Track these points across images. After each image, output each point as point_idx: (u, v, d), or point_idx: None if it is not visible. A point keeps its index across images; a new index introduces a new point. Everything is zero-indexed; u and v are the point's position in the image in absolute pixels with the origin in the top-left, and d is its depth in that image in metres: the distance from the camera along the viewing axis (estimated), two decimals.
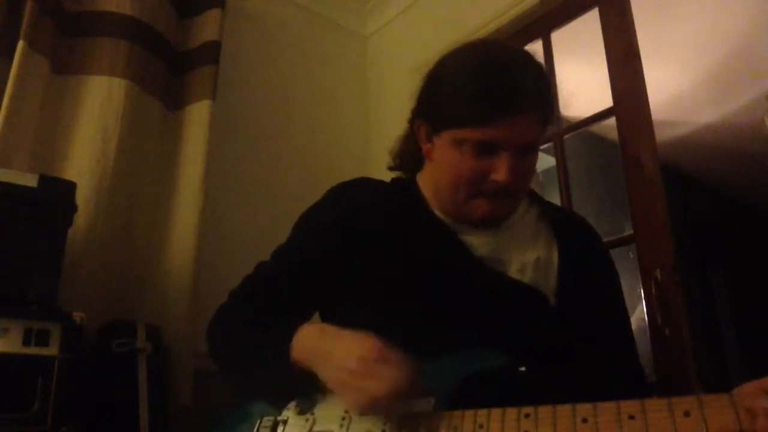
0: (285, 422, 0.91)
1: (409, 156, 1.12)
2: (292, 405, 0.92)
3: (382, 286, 0.98)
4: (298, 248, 1.08)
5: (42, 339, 1.29)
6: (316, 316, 1.10)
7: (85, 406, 1.49)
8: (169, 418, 1.66)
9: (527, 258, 1.00)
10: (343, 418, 0.85)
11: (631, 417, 0.67)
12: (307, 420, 0.89)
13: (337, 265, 1.01)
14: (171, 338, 1.76)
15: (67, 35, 1.88)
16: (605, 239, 2.04)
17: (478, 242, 1.00)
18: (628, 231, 1.78)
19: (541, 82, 0.96)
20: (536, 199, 1.12)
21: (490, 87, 0.91)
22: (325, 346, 0.86)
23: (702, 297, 4.32)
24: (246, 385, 1.02)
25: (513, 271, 0.99)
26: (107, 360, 1.58)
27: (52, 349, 1.30)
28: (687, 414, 0.66)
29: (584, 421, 0.70)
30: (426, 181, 1.08)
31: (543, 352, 0.90)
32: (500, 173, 0.93)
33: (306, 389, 0.89)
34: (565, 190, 1.98)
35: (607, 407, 0.70)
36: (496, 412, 0.75)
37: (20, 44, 1.68)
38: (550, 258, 1.02)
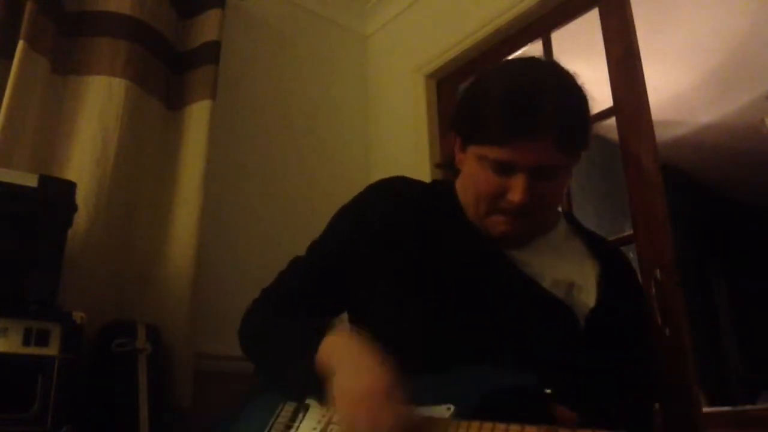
0: (307, 408, 0.92)
1: (452, 161, 1.14)
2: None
3: (415, 283, 0.99)
4: (335, 240, 1.09)
5: (42, 339, 1.29)
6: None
7: (85, 406, 1.49)
8: (169, 419, 1.66)
9: (559, 276, 1.00)
10: None
11: None
12: (328, 410, 0.89)
13: (371, 259, 1.02)
14: (171, 338, 1.76)
15: (67, 35, 1.88)
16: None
17: (513, 252, 1.01)
18: (628, 231, 1.78)
19: (566, 107, 0.95)
20: (580, 228, 1.13)
21: (509, 109, 0.93)
22: (343, 361, 0.86)
23: (702, 297, 4.32)
24: (270, 377, 1.03)
25: (546, 284, 0.99)
26: (107, 360, 1.58)
27: (52, 349, 1.30)
28: None
29: None
30: (460, 189, 1.10)
31: (566, 372, 0.89)
32: (514, 193, 0.94)
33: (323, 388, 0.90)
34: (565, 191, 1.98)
35: None
36: (514, 428, 0.73)
37: (20, 44, 1.68)
38: (586, 284, 1.02)
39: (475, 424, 0.76)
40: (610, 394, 0.95)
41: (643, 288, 1.15)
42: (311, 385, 0.90)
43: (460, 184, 1.10)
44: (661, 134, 1.94)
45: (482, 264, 1.00)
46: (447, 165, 1.16)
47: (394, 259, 1.01)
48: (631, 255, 1.75)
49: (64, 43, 1.87)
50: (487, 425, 0.75)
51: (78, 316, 1.36)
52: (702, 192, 4.55)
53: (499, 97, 0.95)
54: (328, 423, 0.87)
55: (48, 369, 1.28)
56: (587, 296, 1.01)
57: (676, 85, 3.48)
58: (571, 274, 1.02)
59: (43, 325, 1.30)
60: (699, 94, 3.60)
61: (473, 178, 1.00)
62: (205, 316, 1.88)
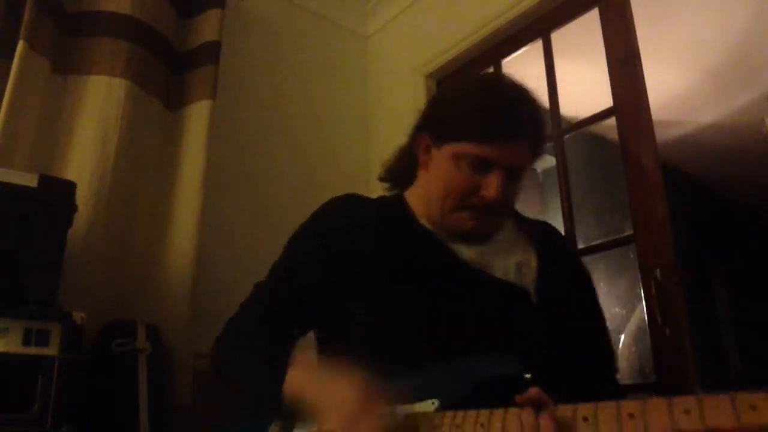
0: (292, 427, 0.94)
1: (401, 171, 1.20)
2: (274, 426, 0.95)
3: (381, 291, 1.02)
4: (293, 265, 1.12)
5: (42, 339, 1.29)
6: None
7: (85, 406, 1.49)
8: (169, 418, 1.66)
9: (508, 262, 1.07)
10: None
11: (631, 416, 0.68)
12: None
13: (331, 279, 1.05)
14: (171, 338, 1.76)
15: (67, 35, 1.88)
16: (605, 239, 2.04)
17: (463, 250, 1.07)
18: (628, 231, 1.78)
19: (537, 116, 1.07)
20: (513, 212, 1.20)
21: (495, 109, 1.01)
22: (318, 386, 0.88)
23: (702, 297, 4.32)
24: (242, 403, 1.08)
25: (497, 274, 1.05)
26: (107, 360, 1.58)
27: (52, 349, 1.30)
28: (687, 411, 0.66)
29: (585, 419, 0.71)
30: (416, 194, 1.15)
31: (531, 349, 0.94)
32: (490, 189, 1.01)
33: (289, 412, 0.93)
34: (565, 190, 1.98)
35: (607, 406, 0.71)
36: (497, 412, 0.76)
37: (20, 44, 1.68)
38: (530, 262, 1.09)
39: (460, 413, 0.79)
40: (574, 365, 1.00)
41: (580, 258, 1.26)
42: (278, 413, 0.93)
43: (417, 188, 1.15)
44: (661, 134, 1.93)
45: (437, 265, 1.05)
46: (391, 178, 1.22)
47: (353, 274, 1.04)
48: (631, 255, 1.75)
49: (64, 43, 1.87)
50: (471, 413, 0.78)
51: (78, 316, 1.36)
52: (702, 192, 4.55)
53: (482, 98, 1.04)
54: None
55: (48, 369, 1.28)
56: (532, 273, 1.08)
57: (676, 85, 3.48)
58: (516, 256, 1.09)
59: (43, 325, 1.30)
60: (699, 94, 3.59)
61: (444, 175, 1.05)
62: (205, 316, 1.87)
